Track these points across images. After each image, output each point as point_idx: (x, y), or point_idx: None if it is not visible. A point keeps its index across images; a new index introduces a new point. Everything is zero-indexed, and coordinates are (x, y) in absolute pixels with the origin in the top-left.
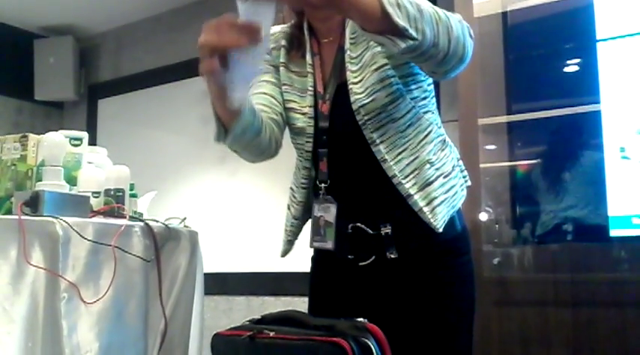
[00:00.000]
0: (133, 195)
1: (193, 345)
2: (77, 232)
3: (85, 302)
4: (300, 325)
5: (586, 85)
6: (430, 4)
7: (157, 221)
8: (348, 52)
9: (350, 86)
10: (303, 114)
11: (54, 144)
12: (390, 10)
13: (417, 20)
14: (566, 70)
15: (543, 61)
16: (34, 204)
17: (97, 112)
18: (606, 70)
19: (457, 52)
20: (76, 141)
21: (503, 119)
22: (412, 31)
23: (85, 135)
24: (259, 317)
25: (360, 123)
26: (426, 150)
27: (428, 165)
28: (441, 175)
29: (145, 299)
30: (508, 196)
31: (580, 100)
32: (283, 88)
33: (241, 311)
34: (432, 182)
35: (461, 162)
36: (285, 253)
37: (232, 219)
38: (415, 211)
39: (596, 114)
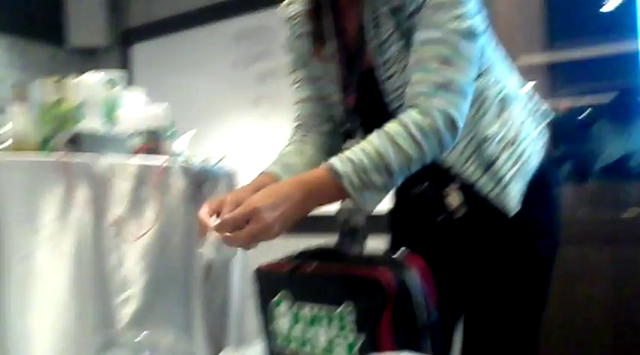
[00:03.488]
0: (172, 134)
1: (235, 280)
2: (119, 170)
3: (130, 237)
4: (339, 258)
5: (626, 22)
6: (403, 137)
7: (196, 159)
8: (374, 41)
9: (384, 86)
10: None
11: (92, 84)
12: (360, 200)
13: (385, 187)
14: (607, 5)
15: None
16: (76, 143)
17: (130, 58)
18: None
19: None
20: (113, 82)
21: (542, 58)
22: (375, 205)
23: (121, 75)
24: (299, 251)
25: (395, 110)
26: (482, 125)
27: (487, 143)
28: (507, 144)
29: (186, 235)
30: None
31: (620, 37)
32: (318, 82)
33: (279, 251)
34: (496, 158)
35: (534, 99)
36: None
37: (267, 161)
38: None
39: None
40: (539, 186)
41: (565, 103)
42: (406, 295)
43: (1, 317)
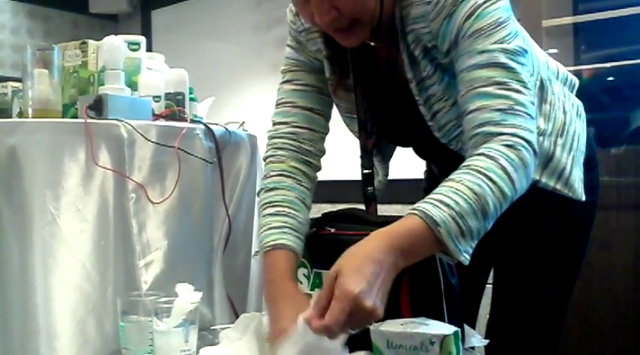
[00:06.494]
0: (193, 99)
1: (255, 246)
2: (141, 134)
3: (152, 202)
4: (360, 222)
5: None
6: (501, 172)
7: (218, 124)
8: (414, 80)
9: (431, 122)
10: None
11: (113, 48)
12: (455, 251)
13: (479, 235)
14: None
15: None
16: (98, 107)
17: (150, 23)
18: None
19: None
20: (134, 46)
21: (569, 20)
22: (468, 257)
23: (142, 39)
24: (320, 215)
25: (445, 143)
26: None
27: (540, 139)
28: (557, 135)
29: (209, 200)
30: None
31: None
32: (336, 106)
33: None
34: (552, 154)
35: (562, 73)
36: None
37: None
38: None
39: None
40: (588, 158)
41: (591, 67)
42: (426, 259)
43: (26, 282)
